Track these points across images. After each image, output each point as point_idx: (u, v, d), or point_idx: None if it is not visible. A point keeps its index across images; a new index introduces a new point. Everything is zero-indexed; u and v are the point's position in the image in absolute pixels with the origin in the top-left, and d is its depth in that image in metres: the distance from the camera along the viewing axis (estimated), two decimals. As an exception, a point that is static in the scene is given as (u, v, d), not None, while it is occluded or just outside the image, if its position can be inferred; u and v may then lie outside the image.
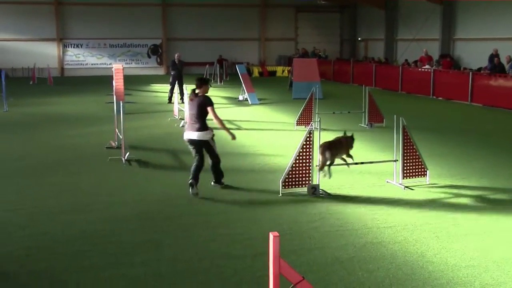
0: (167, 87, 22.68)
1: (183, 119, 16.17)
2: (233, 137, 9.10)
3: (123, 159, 11.24)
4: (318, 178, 8.98)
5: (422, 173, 9.55)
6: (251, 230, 7.33)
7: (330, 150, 9.14)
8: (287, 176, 8.79)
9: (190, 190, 8.75)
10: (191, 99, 8.96)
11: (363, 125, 15.75)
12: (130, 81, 27.68)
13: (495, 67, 22.47)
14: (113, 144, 12.73)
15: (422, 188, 9.28)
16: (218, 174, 9.27)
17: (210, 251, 6.59)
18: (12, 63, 35.53)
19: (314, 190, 8.80)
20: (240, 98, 22.51)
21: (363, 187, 9.36)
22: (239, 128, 15.44)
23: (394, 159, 9.60)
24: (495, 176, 10.15)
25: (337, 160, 9.38)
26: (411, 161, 9.44)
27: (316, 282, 5.68)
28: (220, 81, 30.99)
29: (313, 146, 8.74)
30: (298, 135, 12.73)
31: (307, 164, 8.77)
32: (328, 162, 9.17)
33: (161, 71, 39.06)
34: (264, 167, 10.82)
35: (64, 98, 23.83)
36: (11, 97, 21.27)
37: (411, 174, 9.47)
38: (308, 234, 7.14)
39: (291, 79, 25.52)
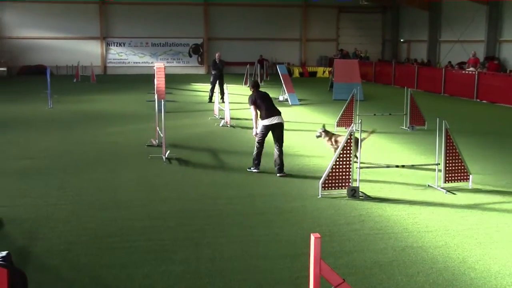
0: (208, 86, 22.85)
1: (223, 118, 16.25)
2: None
3: (164, 157, 11.34)
4: (358, 180, 8.90)
5: (465, 177, 9.36)
6: (289, 231, 7.30)
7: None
8: (326, 178, 8.73)
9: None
10: None
11: (404, 127, 15.54)
12: (171, 80, 27.99)
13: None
14: (154, 142, 12.87)
15: (465, 192, 9.09)
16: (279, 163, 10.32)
17: (248, 251, 6.59)
18: (57, 61, 36.32)
19: (354, 192, 8.72)
20: (281, 98, 22.46)
21: (404, 190, 9.23)
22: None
23: (436, 162, 9.44)
24: (541, 182, 9.88)
25: (377, 162, 9.26)
26: (453, 164, 9.25)
27: (355, 285, 5.62)
28: (261, 81, 30.99)
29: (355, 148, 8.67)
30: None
31: (347, 166, 8.70)
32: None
33: (201, 71, 39.35)
34: (303, 168, 10.77)
35: (106, 96, 24.25)
36: (55, 94, 21.73)
37: (453, 178, 9.29)
38: (347, 237, 7.08)
39: (332, 80, 25.38)
